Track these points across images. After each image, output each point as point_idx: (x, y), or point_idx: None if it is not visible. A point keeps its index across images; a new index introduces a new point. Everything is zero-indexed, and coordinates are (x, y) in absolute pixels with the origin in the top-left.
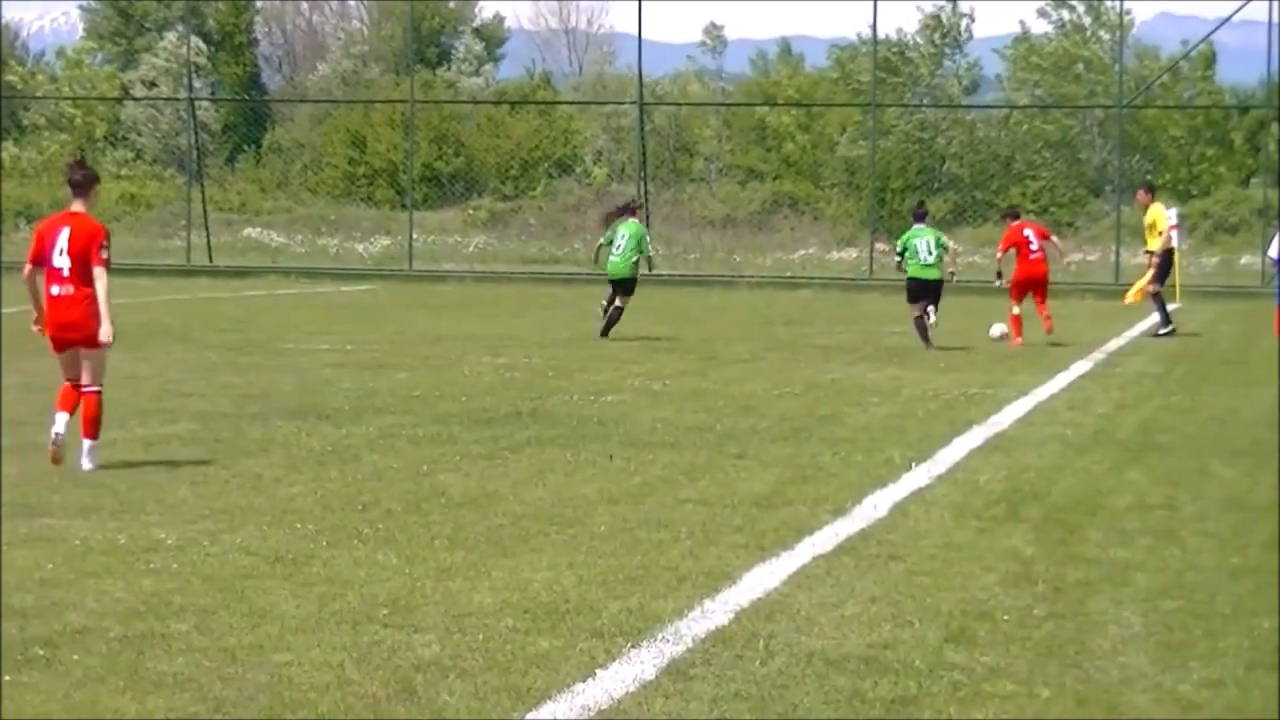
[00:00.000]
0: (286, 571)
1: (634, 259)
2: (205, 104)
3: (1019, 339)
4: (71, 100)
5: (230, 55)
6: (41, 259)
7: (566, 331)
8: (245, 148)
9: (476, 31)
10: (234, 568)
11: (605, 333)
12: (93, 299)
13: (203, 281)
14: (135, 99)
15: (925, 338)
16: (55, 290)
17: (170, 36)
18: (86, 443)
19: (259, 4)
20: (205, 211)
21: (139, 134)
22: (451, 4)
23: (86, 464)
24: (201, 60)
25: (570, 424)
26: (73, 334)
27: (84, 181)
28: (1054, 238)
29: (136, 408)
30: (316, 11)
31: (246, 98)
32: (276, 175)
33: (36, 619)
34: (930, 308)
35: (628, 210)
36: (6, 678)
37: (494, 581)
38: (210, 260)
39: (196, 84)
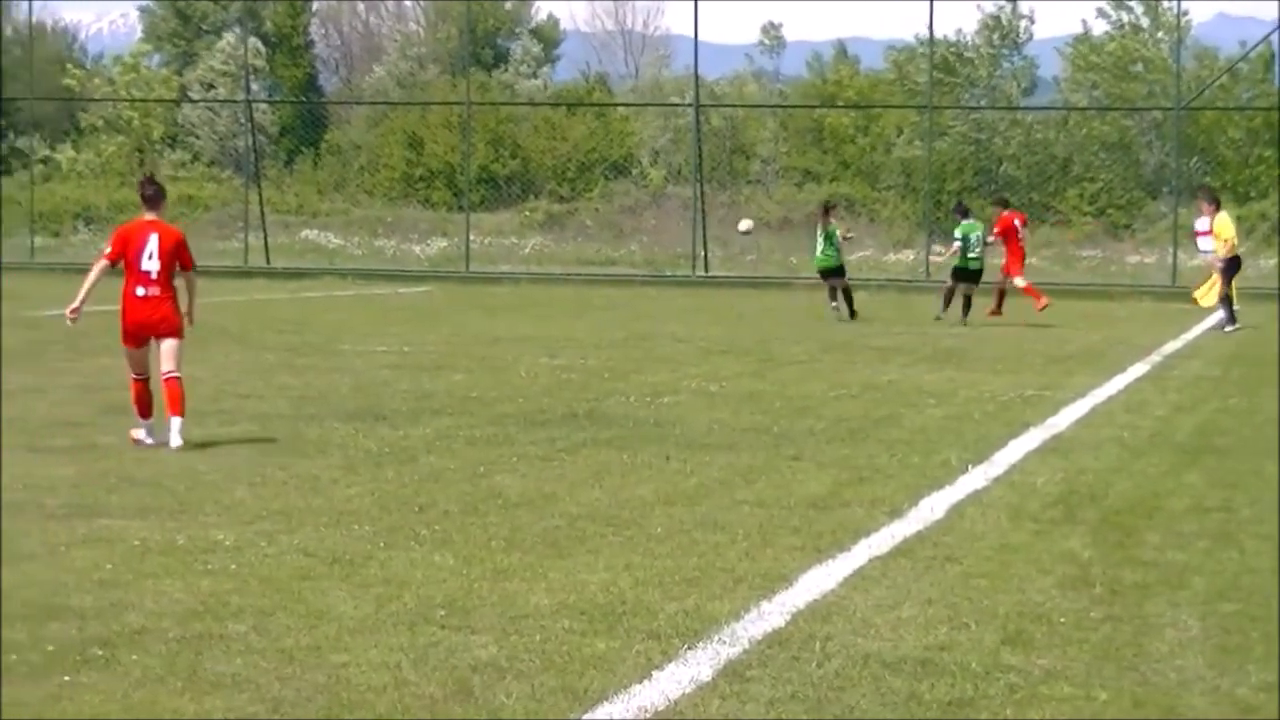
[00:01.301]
0: (344, 572)
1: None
2: (263, 106)
3: (1044, 299)
4: (129, 102)
5: (287, 57)
6: (123, 260)
7: (622, 333)
8: (303, 150)
9: (533, 33)
10: (291, 569)
11: (853, 314)
12: (174, 298)
13: (260, 283)
14: (193, 101)
15: (945, 305)
16: (141, 291)
17: (228, 38)
18: (176, 421)
19: (315, 6)
20: (263, 213)
21: (196, 136)
22: (507, 5)
23: (177, 441)
24: (259, 62)
25: (626, 425)
26: (155, 330)
27: (156, 196)
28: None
29: (194, 409)
30: (373, 13)
31: (304, 100)
32: (334, 177)
33: (95, 619)
34: (969, 290)
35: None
36: (66, 677)
37: (550, 583)
38: (267, 262)
39: (254, 86)
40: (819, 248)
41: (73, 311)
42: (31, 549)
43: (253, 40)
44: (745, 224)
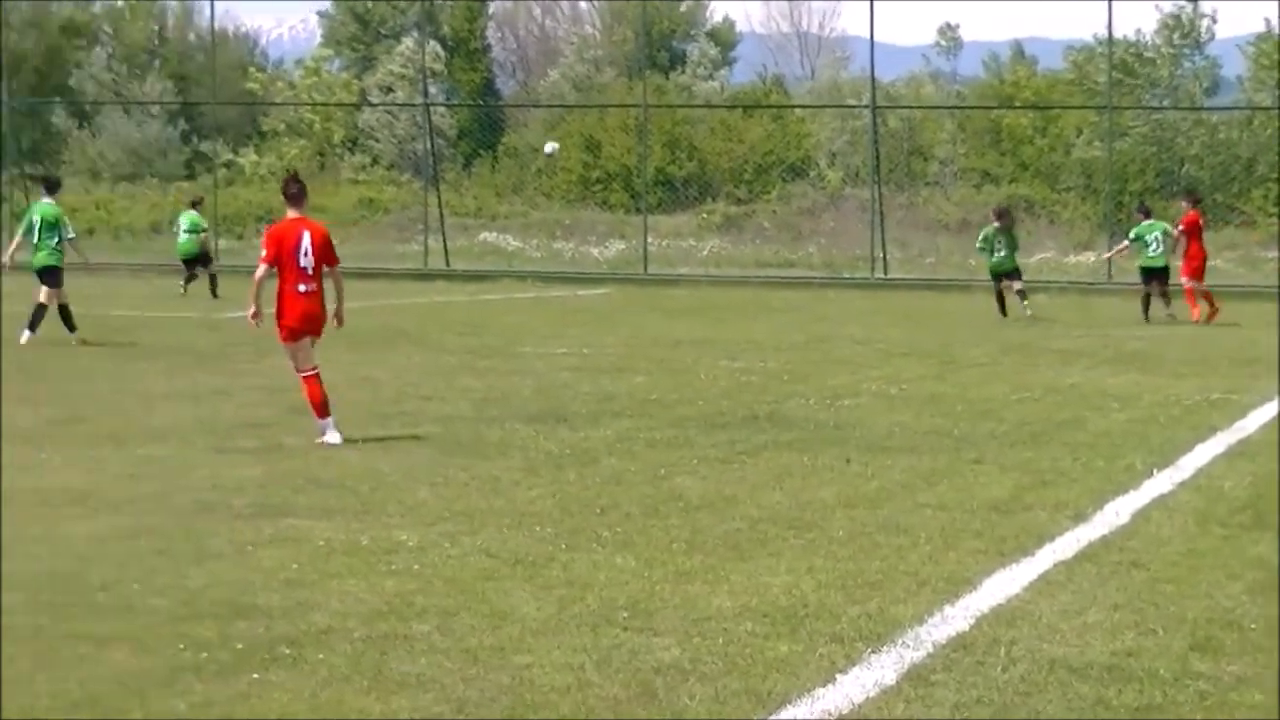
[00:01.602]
0: (526, 574)
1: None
2: (441, 110)
3: (1200, 311)
4: (310, 106)
5: (465, 61)
6: (279, 260)
7: (801, 335)
8: (481, 153)
9: (709, 36)
10: (474, 569)
11: (1004, 313)
12: (323, 294)
13: (440, 285)
14: (372, 105)
15: (1145, 311)
16: (302, 288)
17: (407, 42)
18: (329, 420)
19: (492, 10)
20: (442, 216)
21: (376, 139)
22: (683, 8)
23: (337, 438)
24: (437, 66)
25: (807, 428)
26: (313, 325)
27: (300, 194)
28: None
29: (376, 411)
30: (549, 17)
31: (481, 103)
32: (511, 180)
33: (282, 618)
34: (1160, 288)
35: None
36: (254, 675)
37: (733, 585)
38: (447, 264)
39: (432, 90)
40: (996, 250)
41: (253, 316)
42: (220, 548)
43: (431, 44)
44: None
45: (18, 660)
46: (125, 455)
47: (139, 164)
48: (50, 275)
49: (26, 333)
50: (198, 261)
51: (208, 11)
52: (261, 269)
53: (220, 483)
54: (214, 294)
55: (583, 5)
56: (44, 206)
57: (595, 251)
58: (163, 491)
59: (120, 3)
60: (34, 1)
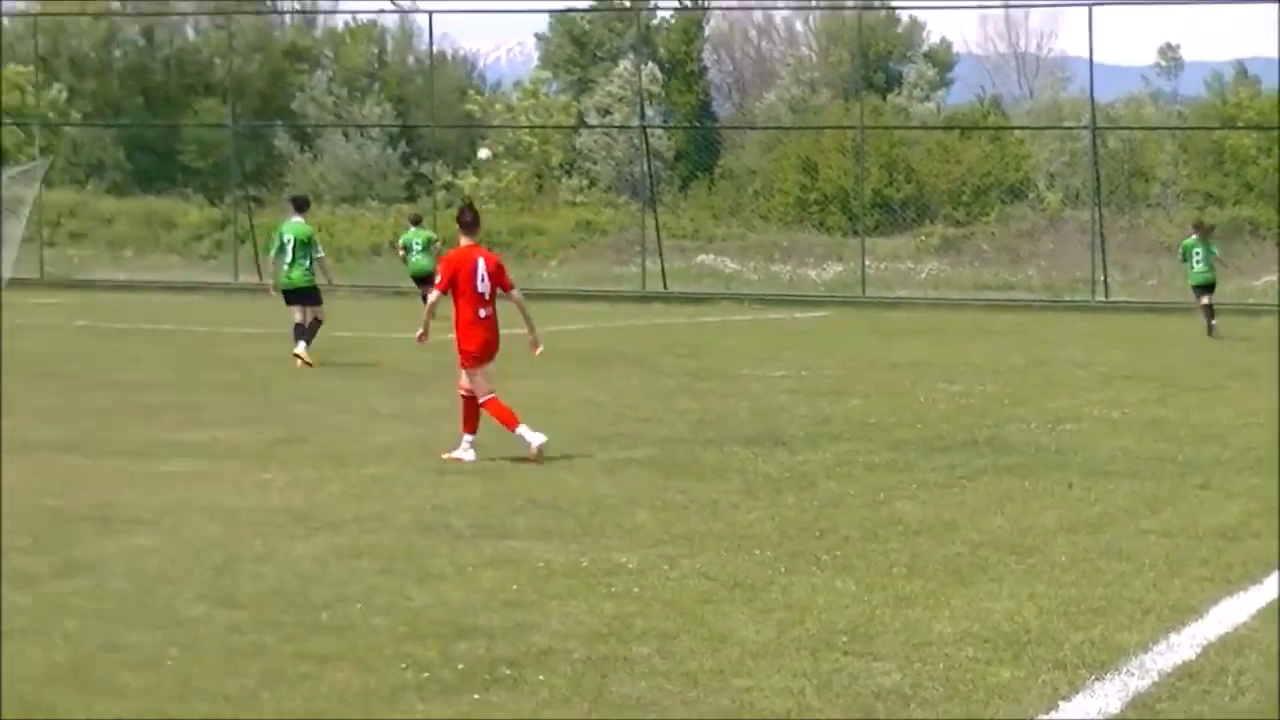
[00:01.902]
0: (745, 596)
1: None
2: (658, 131)
3: None
4: (529, 129)
5: (682, 83)
6: (455, 287)
7: (1021, 358)
8: (697, 175)
9: (926, 57)
10: (693, 592)
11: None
12: (498, 319)
13: (657, 307)
14: (590, 127)
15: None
16: (482, 313)
17: (624, 64)
18: (468, 438)
19: (708, 32)
20: (659, 238)
21: (593, 162)
22: (900, 28)
23: (541, 437)
24: (654, 88)
25: (1027, 452)
26: (491, 351)
27: (474, 222)
28: None
29: (595, 432)
30: (765, 39)
31: (698, 125)
32: (728, 202)
33: (502, 639)
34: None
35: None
36: (475, 695)
37: (953, 610)
38: (664, 286)
39: (649, 112)
40: (1195, 262)
41: (420, 338)
42: (440, 569)
43: (648, 66)
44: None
45: (244, 678)
46: (347, 475)
47: (359, 186)
48: (309, 295)
49: (301, 344)
50: (429, 280)
51: (427, 35)
52: (435, 294)
53: (440, 503)
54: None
55: (799, 27)
56: (295, 226)
57: (813, 274)
58: (383, 511)
59: (341, 27)
60: (258, 26)
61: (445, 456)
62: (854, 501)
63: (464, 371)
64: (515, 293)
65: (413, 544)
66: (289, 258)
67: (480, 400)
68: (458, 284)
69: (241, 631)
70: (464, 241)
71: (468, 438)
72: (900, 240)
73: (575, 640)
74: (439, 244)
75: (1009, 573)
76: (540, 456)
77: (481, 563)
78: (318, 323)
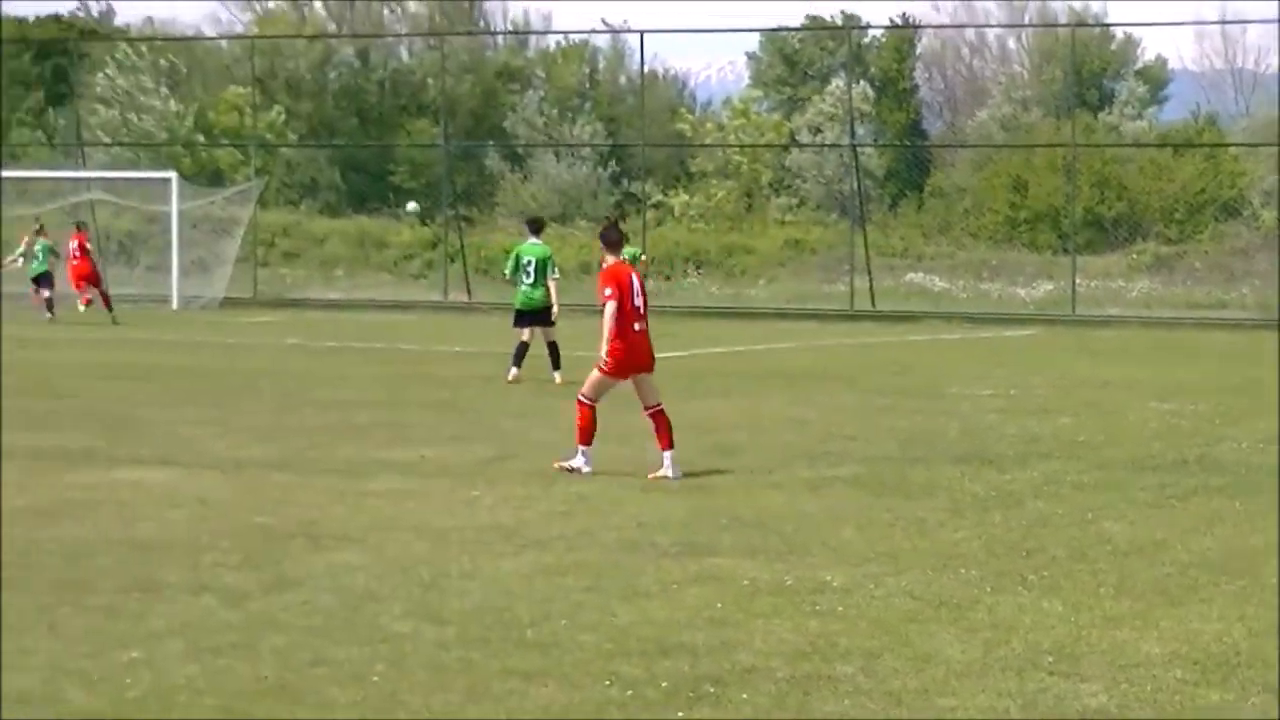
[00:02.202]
0: (951, 616)
1: None
2: (868, 149)
3: None
4: (739, 148)
5: (893, 101)
6: (623, 301)
7: (1235, 378)
8: (907, 193)
9: (1138, 74)
10: (899, 611)
11: None
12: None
13: (866, 326)
14: (800, 146)
15: None
16: (637, 326)
17: (835, 83)
18: (670, 454)
19: (919, 50)
20: (868, 257)
21: (803, 180)
22: (1113, 45)
23: (677, 472)
24: (865, 107)
25: (1239, 472)
26: (646, 363)
27: (620, 240)
28: None
29: (803, 449)
30: (977, 56)
31: (908, 144)
32: (938, 220)
33: (707, 656)
34: None
35: None
36: (680, 713)
37: (1162, 631)
38: (873, 305)
39: (860, 130)
40: None
41: (609, 354)
42: (646, 586)
43: (859, 84)
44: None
45: (449, 693)
46: (553, 493)
47: (569, 205)
48: (545, 316)
49: (514, 370)
50: None
51: (638, 54)
52: (611, 306)
53: (646, 521)
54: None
55: (1011, 45)
56: (535, 247)
57: (1022, 292)
58: (590, 529)
59: (553, 47)
60: (471, 46)
61: (557, 466)
62: (1062, 521)
63: (600, 379)
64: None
65: (618, 561)
66: (531, 279)
67: (649, 409)
68: (619, 298)
69: (448, 648)
70: (611, 259)
71: (584, 449)
72: (1111, 258)
73: (779, 658)
74: (646, 260)
75: (1219, 594)
76: (560, 471)
77: (686, 580)
78: (556, 345)
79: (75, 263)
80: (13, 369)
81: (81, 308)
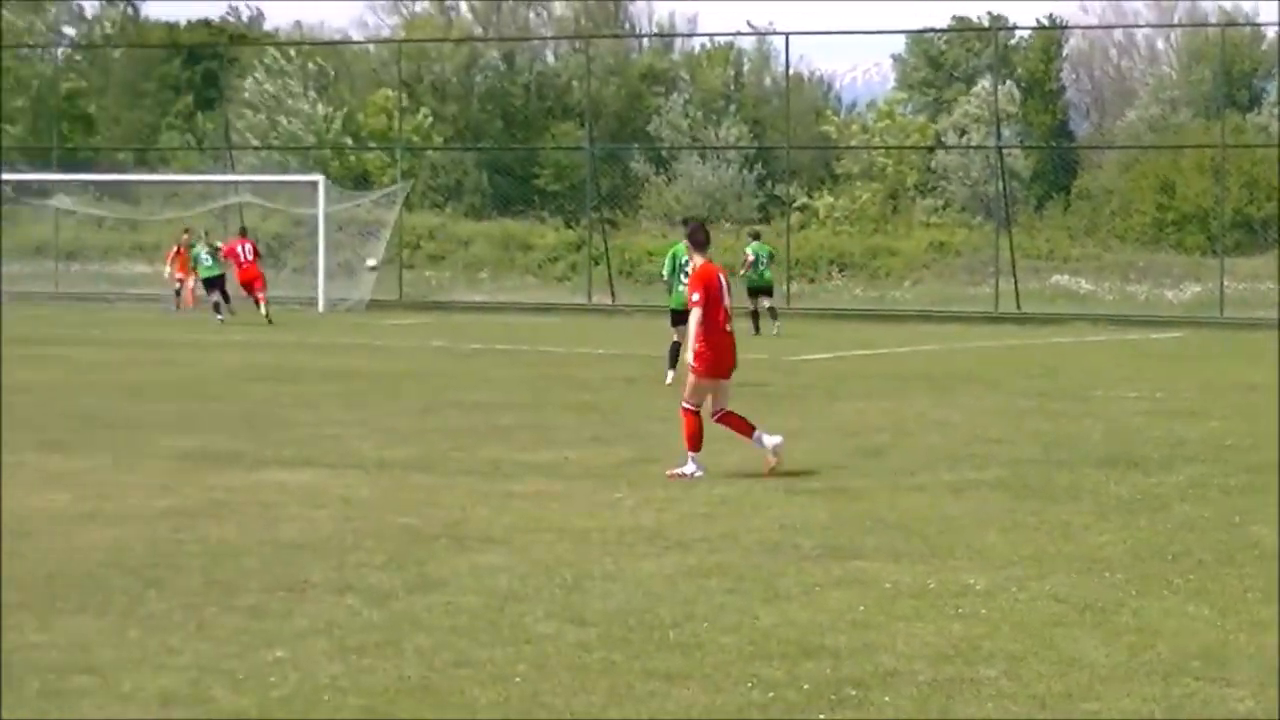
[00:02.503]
0: (1096, 620)
1: None
2: (1014, 151)
3: None
4: (884, 150)
5: (1039, 102)
6: (708, 302)
7: None
8: (1053, 195)
9: None
10: (1043, 615)
11: None
12: None
13: (1010, 328)
14: (945, 148)
15: None
16: (728, 327)
17: (981, 84)
18: (775, 439)
19: (1066, 51)
20: (1013, 259)
21: (948, 182)
22: (1264, 45)
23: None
24: (1011, 108)
25: None
26: (732, 364)
27: (707, 240)
28: None
29: (947, 452)
30: (1125, 57)
31: (1054, 145)
32: (1084, 222)
33: (849, 659)
34: None
35: None
36: (821, 716)
37: None
38: (1018, 307)
39: (1005, 132)
40: None
41: (697, 357)
42: (787, 588)
43: (1005, 86)
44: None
45: (591, 694)
46: (696, 495)
47: (713, 208)
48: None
49: (671, 373)
50: (763, 293)
51: (783, 56)
52: (698, 311)
53: (788, 523)
54: (757, 330)
55: (1160, 45)
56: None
57: (1169, 294)
58: (732, 531)
59: (698, 49)
60: (616, 49)
61: (669, 474)
62: (1208, 525)
63: (695, 383)
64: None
65: (760, 563)
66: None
67: (715, 416)
68: (710, 298)
69: (590, 649)
70: (698, 260)
71: (694, 455)
72: (1260, 260)
73: (921, 661)
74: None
75: None
76: (675, 477)
77: (829, 583)
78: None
79: (245, 265)
80: (166, 371)
81: (263, 309)
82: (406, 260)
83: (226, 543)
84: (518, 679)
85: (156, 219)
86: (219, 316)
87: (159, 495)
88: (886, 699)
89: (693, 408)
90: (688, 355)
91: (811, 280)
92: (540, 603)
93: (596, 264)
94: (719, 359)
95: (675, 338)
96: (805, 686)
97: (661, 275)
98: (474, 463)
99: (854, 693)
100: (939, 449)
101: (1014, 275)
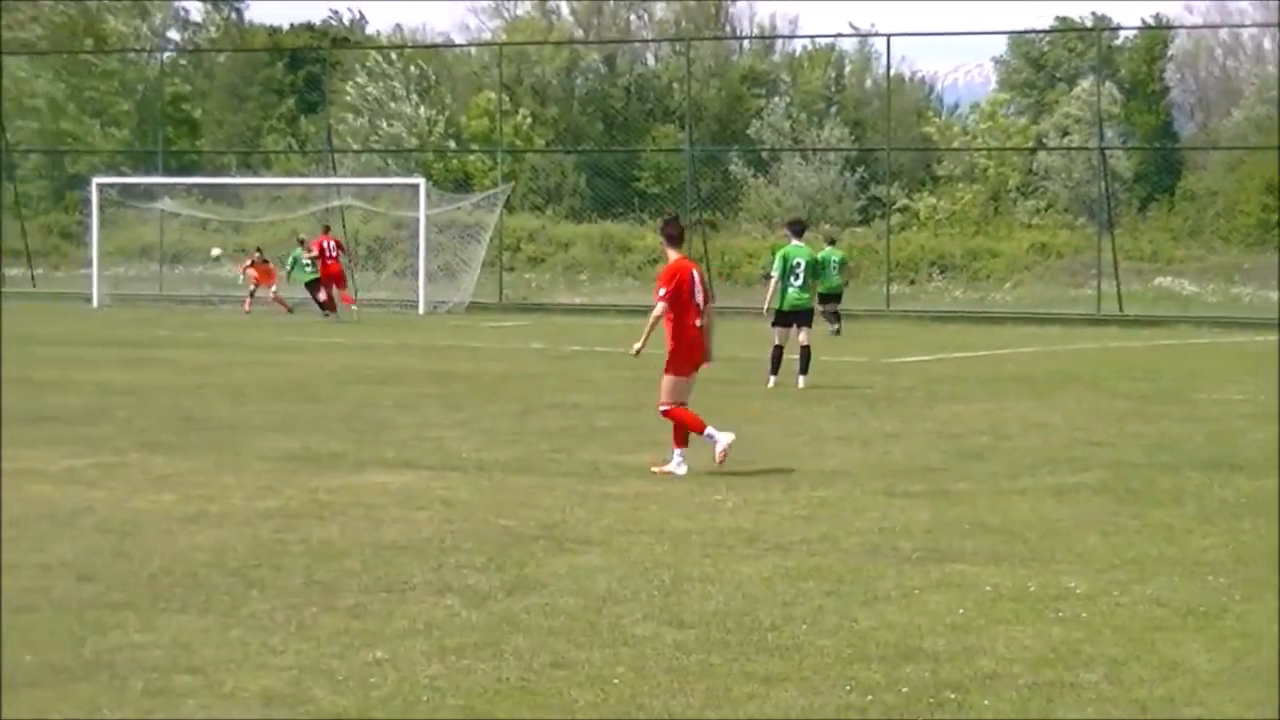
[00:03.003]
0: (1198, 624)
1: None
2: (1117, 152)
3: None
4: (985, 151)
5: (1142, 103)
6: (678, 298)
7: None
8: (1157, 196)
9: None
10: (1144, 619)
11: None
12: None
13: (1113, 330)
14: (1047, 149)
15: None
16: (698, 323)
17: (1083, 85)
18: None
19: (1171, 51)
20: (1115, 260)
21: (1050, 183)
22: None
23: (682, 469)
24: (1114, 109)
25: None
26: (704, 358)
27: (681, 235)
28: None
29: (1047, 455)
30: (1230, 57)
31: (1158, 146)
32: (1188, 223)
33: (948, 663)
34: None
35: None
36: (924, 718)
37: None
38: (1120, 309)
39: (1108, 133)
40: None
41: (637, 352)
42: (887, 591)
43: (1107, 86)
44: (216, 250)
45: (689, 696)
46: (795, 497)
47: (814, 209)
48: (809, 316)
49: (772, 378)
50: (832, 299)
51: (885, 58)
52: (660, 306)
53: (888, 526)
54: (837, 331)
55: (1267, 44)
56: (801, 249)
57: (1275, 296)
58: (831, 533)
59: (799, 51)
60: (717, 52)
61: (655, 470)
62: None
63: (672, 381)
64: (710, 306)
65: (860, 566)
66: (800, 281)
67: (664, 409)
68: (680, 295)
69: (688, 651)
70: (673, 255)
71: (679, 452)
72: None
73: (1021, 665)
74: (851, 266)
75: None
76: (725, 458)
77: (928, 586)
78: (809, 349)
79: (330, 261)
80: (267, 373)
81: (354, 308)
82: (507, 263)
83: (328, 544)
84: (616, 681)
85: (259, 221)
86: (325, 315)
87: (262, 496)
88: (986, 702)
89: (671, 406)
90: (636, 346)
91: (912, 282)
92: (638, 604)
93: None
94: (690, 355)
95: (777, 340)
96: (904, 690)
97: (771, 275)
98: (573, 464)
99: (953, 696)
100: (1039, 451)
101: (1116, 277)
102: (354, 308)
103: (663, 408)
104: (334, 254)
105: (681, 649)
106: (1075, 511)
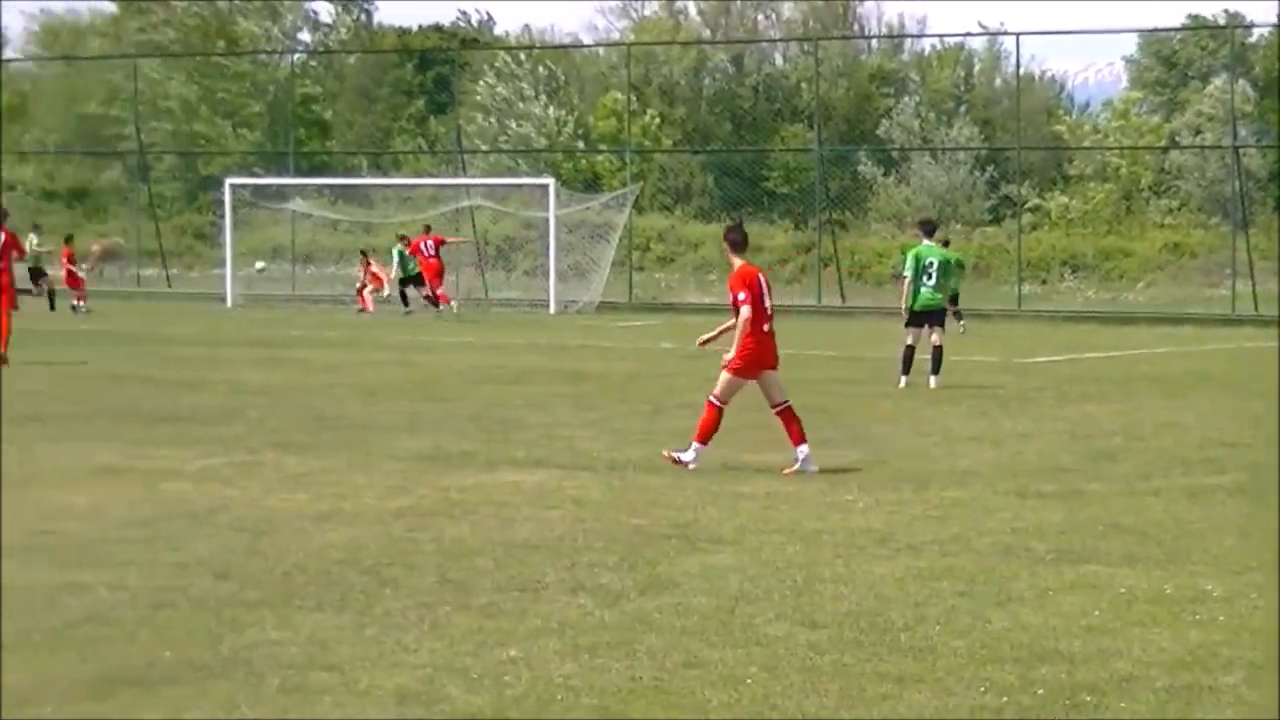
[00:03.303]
0: None
1: None
2: (1251, 151)
3: None
4: (1117, 150)
5: (1276, 101)
6: (755, 302)
7: None
8: None
9: None
10: None
11: None
12: None
13: (1248, 331)
14: (1179, 147)
15: None
16: (766, 328)
17: (1216, 83)
18: (804, 449)
19: None
20: (1250, 260)
21: (1183, 182)
22: None
23: (813, 467)
24: (1247, 107)
25: None
26: (772, 362)
27: (744, 241)
28: None
29: (1180, 456)
30: None
31: None
32: None
33: (1083, 665)
34: None
35: None
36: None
37: None
38: (1255, 309)
39: (1242, 132)
40: None
41: (703, 343)
42: (1020, 592)
43: (1241, 84)
44: (259, 264)
45: (823, 696)
46: (927, 497)
47: (944, 209)
48: (941, 316)
49: (903, 379)
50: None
51: (1014, 56)
52: (747, 310)
53: (1021, 526)
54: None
55: None
56: (934, 249)
57: None
58: (963, 534)
59: (928, 50)
60: (845, 51)
61: (665, 455)
62: None
63: (731, 381)
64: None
65: (993, 567)
66: (933, 280)
67: (776, 408)
68: (752, 300)
69: (821, 651)
70: (737, 261)
71: (700, 446)
72: None
73: (1158, 668)
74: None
75: None
76: (671, 460)
77: (1062, 587)
78: (942, 349)
79: (429, 260)
80: (398, 372)
81: (454, 306)
82: (636, 262)
83: (461, 542)
84: (749, 680)
85: (390, 222)
86: (434, 310)
87: (394, 495)
88: (1123, 705)
89: (719, 403)
90: (731, 352)
91: (1043, 282)
92: (771, 604)
93: (826, 266)
94: (759, 357)
95: (910, 340)
96: (1039, 691)
97: (904, 275)
98: (703, 464)
99: (1089, 699)
100: (1172, 453)
101: (1251, 277)
102: (453, 304)
103: (713, 398)
104: (433, 252)
105: (815, 649)
106: (1210, 513)
